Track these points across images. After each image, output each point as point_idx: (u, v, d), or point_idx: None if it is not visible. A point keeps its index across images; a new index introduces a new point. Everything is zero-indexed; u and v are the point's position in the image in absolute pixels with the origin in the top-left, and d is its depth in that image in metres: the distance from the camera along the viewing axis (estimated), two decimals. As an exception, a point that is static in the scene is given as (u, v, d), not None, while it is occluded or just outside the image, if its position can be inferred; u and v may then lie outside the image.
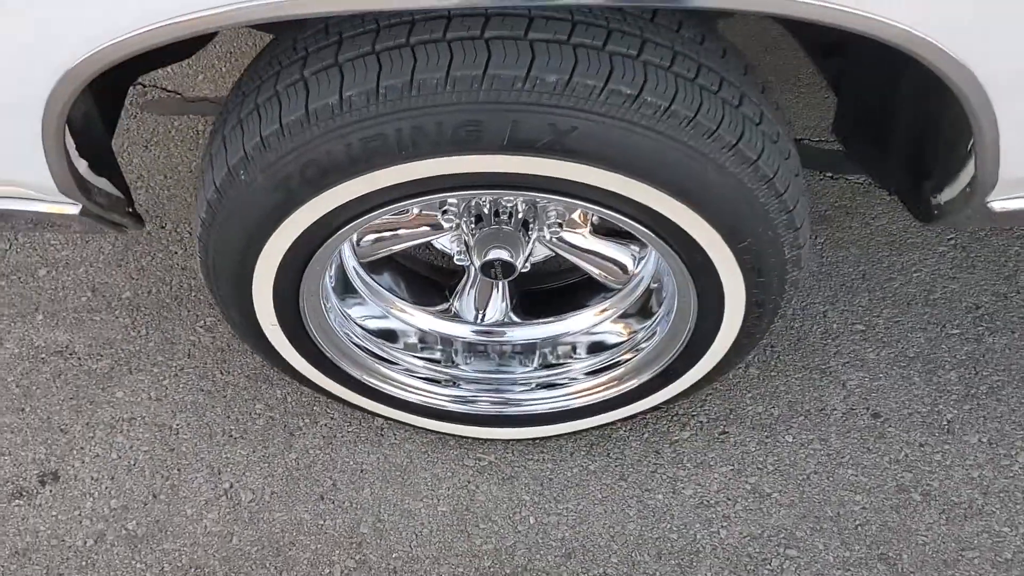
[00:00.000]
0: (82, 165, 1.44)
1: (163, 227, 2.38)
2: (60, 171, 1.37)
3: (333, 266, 1.77)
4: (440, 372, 1.92)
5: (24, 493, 2.00)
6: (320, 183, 1.35)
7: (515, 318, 1.96)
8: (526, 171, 1.33)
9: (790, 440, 2.04)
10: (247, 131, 1.35)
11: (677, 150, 1.29)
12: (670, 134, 1.28)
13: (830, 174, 2.44)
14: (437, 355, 1.94)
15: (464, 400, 1.91)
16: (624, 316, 1.89)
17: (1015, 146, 1.27)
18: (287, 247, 1.47)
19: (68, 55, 1.20)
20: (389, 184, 1.35)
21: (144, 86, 2.65)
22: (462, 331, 1.95)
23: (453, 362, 1.94)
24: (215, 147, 1.42)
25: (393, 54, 1.25)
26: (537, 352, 1.94)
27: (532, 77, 1.23)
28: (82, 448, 2.05)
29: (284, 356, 1.77)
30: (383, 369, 1.87)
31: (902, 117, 1.56)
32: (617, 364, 1.86)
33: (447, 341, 1.95)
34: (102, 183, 1.52)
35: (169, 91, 2.65)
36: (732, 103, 1.32)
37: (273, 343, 1.72)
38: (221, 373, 2.14)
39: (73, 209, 1.49)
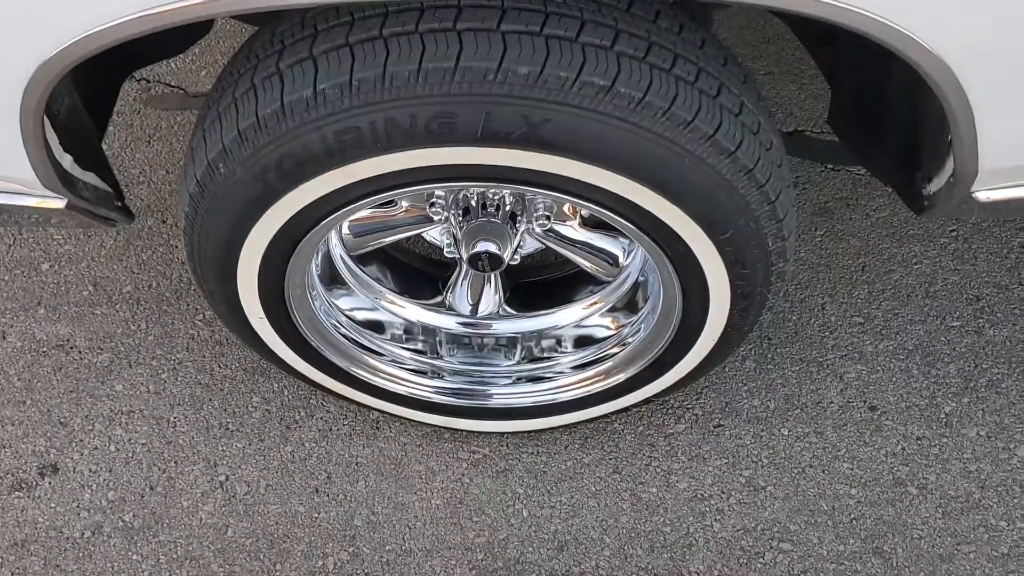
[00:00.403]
0: (66, 160, 1.44)
1: (164, 222, 2.39)
2: (42, 165, 1.38)
3: (320, 256, 1.78)
4: (426, 364, 1.93)
5: (24, 485, 2.02)
6: (297, 176, 1.35)
7: (509, 310, 1.95)
8: (501, 163, 1.32)
9: (786, 433, 2.03)
10: (225, 124, 1.35)
11: (652, 141, 1.28)
12: (645, 125, 1.27)
13: (831, 165, 2.42)
14: (422, 347, 1.94)
15: (450, 392, 1.91)
16: (612, 310, 1.89)
17: (992, 137, 1.25)
18: (269, 240, 1.47)
19: (41, 48, 1.20)
20: (366, 176, 1.35)
21: (148, 81, 2.67)
22: (450, 323, 1.95)
23: (438, 354, 1.94)
24: (196, 141, 1.43)
25: (366, 46, 1.25)
26: (521, 346, 1.94)
27: (504, 69, 1.23)
28: (81, 441, 2.07)
29: (274, 349, 1.78)
30: (371, 360, 1.88)
31: (893, 107, 1.55)
32: (605, 358, 1.85)
33: (433, 333, 1.95)
34: (89, 177, 1.53)
35: (172, 87, 2.66)
36: (709, 93, 1.31)
37: (261, 336, 1.73)
38: (219, 367, 2.15)
39: (59, 203, 1.50)
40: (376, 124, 1.27)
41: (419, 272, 2.01)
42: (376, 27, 1.25)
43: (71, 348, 2.20)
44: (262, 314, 1.66)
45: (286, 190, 1.38)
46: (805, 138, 2.48)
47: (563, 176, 1.33)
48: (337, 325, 1.84)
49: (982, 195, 1.40)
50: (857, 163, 2.36)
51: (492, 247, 1.66)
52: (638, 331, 1.80)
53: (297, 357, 1.81)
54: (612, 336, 1.87)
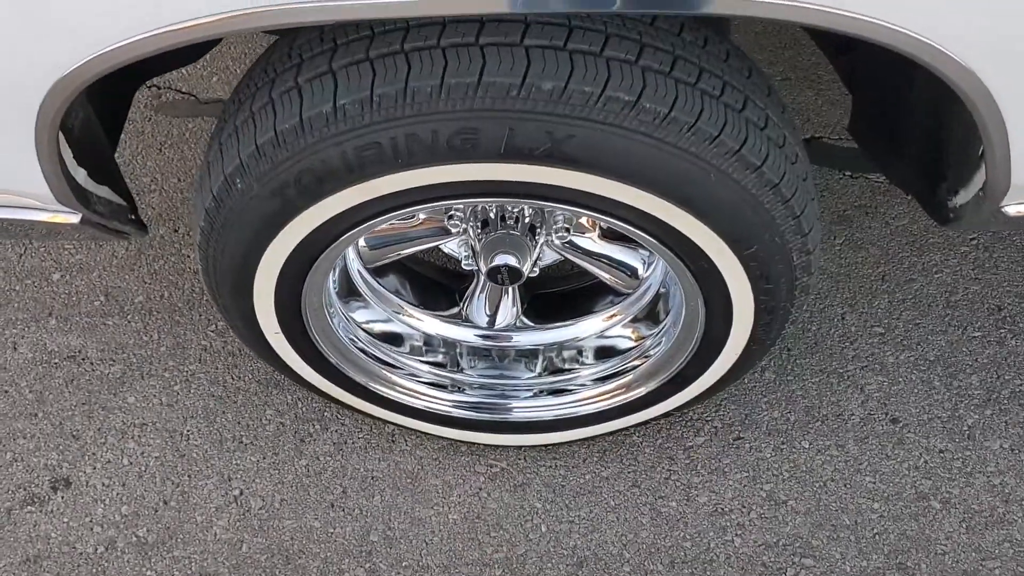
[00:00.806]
0: (80, 174, 1.42)
1: (176, 230, 2.37)
2: (56, 180, 1.36)
3: (337, 271, 1.76)
4: (446, 377, 1.91)
5: (36, 499, 2.00)
6: (316, 192, 1.33)
7: (526, 322, 1.93)
8: (525, 179, 1.30)
9: (806, 446, 2.01)
10: (243, 139, 1.33)
11: (678, 157, 1.26)
12: (670, 141, 1.24)
13: (849, 173, 2.39)
14: (442, 359, 1.92)
15: (471, 406, 1.89)
16: (633, 321, 1.86)
17: (1027, 150, 1.23)
18: (287, 256, 1.45)
19: (57, 64, 1.18)
20: (387, 192, 1.33)
21: (158, 88, 2.65)
22: (469, 335, 1.92)
23: (459, 367, 1.92)
24: (212, 154, 1.41)
25: (387, 61, 1.23)
26: (542, 357, 1.92)
27: (528, 84, 1.20)
28: (94, 454, 2.05)
29: (289, 364, 1.76)
30: (389, 375, 1.86)
31: (916, 117, 1.52)
32: (626, 371, 1.83)
33: (453, 345, 1.93)
34: (103, 191, 1.51)
35: (183, 93, 2.64)
36: (735, 108, 1.28)
37: (277, 351, 1.71)
38: (232, 378, 2.13)
39: (73, 218, 1.47)
40: (397, 140, 1.25)
41: (436, 283, 1.98)
42: (397, 41, 1.22)
43: (83, 359, 2.18)
44: (278, 329, 1.64)
45: (305, 206, 1.35)
46: (823, 145, 2.46)
47: (587, 192, 1.31)
48: (355, 339, 1.82)
49: (1012, 208, 1.37)
50: (878, 171, 2.33)
51: (511, 260, 1.64)
52: (659, 344, 1.78)
53: (313, 372, 1.79)
54: (633, 348, 1.85)
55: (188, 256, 2.32)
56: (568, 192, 1.32)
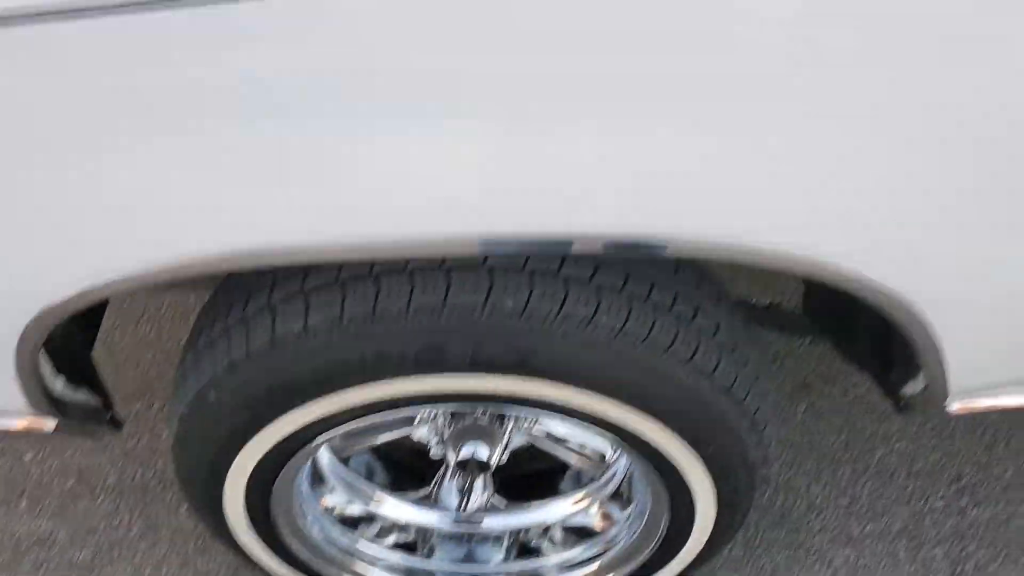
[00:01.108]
0: (58, 384, 1.46)
1: (151, 406, 2.39)
2: (34, 393, 1.39)
3: (306, 469, 1.78)
4: (415, 565, 1.91)
5: None
6: (287, 404, 1.38)
7: (497, 502, 1.95)
8: (490, 390, 1.36)
9: (776, 625, 2.01)
10: (217, 353, 1.38)
11: (633, 367, 1.32)
12: (626, 353, 1.31)
13: (809, 339, 2.46)
14: (412, 539, 1.93)
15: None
16: (600, 507, 1.89)
17: (960, 366, 1.29)
18: (256, 463, 1.49)
19: (48, 293, 1.21)
20: (356, 404, 1.38)
21: (136, 265, 2.71)
22: (439, 520, 1.94)
23: (428, 544, 1.93)
24: (188, 364, 1.45)
25: (357, 284, 1.29)
26: (509, 542, 1.93)
27: (490, 303, 1.27)
28: (60, 645, 2.02)
29: (260, 563, 1.76)
30: (359, 568, 1.86)
31: (863, 316, 1.59)
32: (593, 559, 1.85)
33: (423, 531, 1.94)
34: (80, 395, 1.54)
35: (160, 269, 2.70)
36: (686, 317, 1.36)
37: (248, 550, 1.72)
38: (202, 561, 2.12)
39: (48, 424, 1.50)
40: (366, 355, 1.31)
41: (406, 467, 2.01)
42: (366, 266, 1.29)
43: (52, 544, 2.17)
44: (247, 528, 1.66)
45: (275, 417, 1.40)
46: (781, 312, 2.52)
47: (551, 402, 1.37)
48: (324, 530, 1.83)
49: (955, 407, 1.44)
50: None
51: (480, 451, 1.68)
52: (624, 532, 1.80)
53: (283, 567, 1.79)
54: (601, 535, 1.87)
55: (160, 435, 2.34)
56: (533, 401, 1.37)
